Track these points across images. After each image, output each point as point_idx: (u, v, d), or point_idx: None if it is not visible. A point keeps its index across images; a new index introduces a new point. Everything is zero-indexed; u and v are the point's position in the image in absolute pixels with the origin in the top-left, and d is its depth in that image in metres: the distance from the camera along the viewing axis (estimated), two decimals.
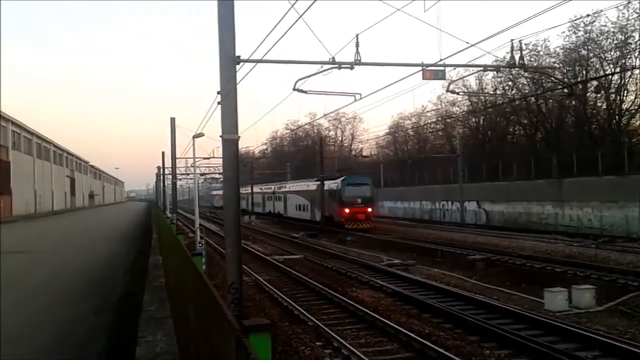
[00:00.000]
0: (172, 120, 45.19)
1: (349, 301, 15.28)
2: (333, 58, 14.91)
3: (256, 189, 64.65)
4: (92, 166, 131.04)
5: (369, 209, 39.86)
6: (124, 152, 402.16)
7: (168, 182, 62.44)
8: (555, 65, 41.53)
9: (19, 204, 63.17)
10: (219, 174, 65.01)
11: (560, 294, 14.59)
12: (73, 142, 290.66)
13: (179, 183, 63.07)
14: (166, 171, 60.34)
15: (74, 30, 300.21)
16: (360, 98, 17.29)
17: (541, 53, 44.55)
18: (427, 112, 64.23)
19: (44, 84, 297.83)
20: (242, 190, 52.76)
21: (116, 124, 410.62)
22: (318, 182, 44.26)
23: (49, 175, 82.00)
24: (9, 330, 9.34)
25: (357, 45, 15.39)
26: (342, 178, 41.73)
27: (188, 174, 66.54)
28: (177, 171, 53.53)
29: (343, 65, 15.07)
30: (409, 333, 11.76)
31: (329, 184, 42.63)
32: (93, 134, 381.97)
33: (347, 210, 39.17)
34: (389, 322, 12.75)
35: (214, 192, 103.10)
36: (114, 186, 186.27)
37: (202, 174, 66.31)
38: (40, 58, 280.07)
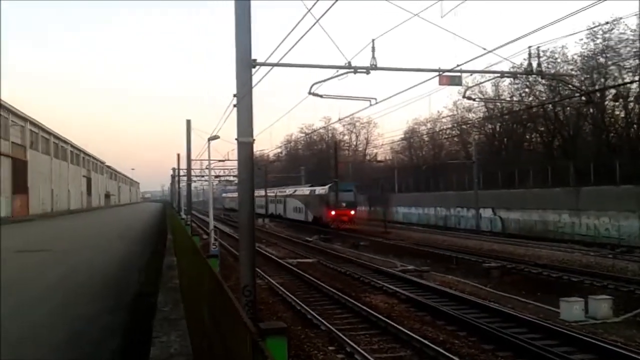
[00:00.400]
0: (188, 122, 45.47)
1: (362, 306, 15.20)
2: (349, 62, 14.84)
3: (261, 192, 69.44)
4: (108, 166, 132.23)
5: (352, 212, 45.06)
6: (140, 154, 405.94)
7: (183, 183, 62.96)
8: (573, 72, 41.15)
9: (35, 203, 63.90)
10: (234, 176, 65.56)
11: (577, 303, 14.39)
12: (90, 143, 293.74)
13: (193, 185, 63.54)
14: (181, 173, 60.80)
15: (93, 30, 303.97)
16: (376, 103, 17.16)
17: (559, 60, 44.21)
18: (443, 117, 64.00)
19: (60, 85, 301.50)
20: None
21: (132, 125, 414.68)
22: (311, 188, 51.75)
23: (66, 175, 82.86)
24: (24, 329, 9.41)
25: (373, 50, 15.32)
26: (329, 185, 46.55)
27: (203, 176, 67.03)
28: (192, 173, 53.90)
29: (359, 70, 14.99)
30: (422, 340, 11.66)
31: (319, 190, 48.67)
32: (110, 134, 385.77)
33: (332, 213, 44.28)
34: (403, 329, 12.66)
35: (224, 195, 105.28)
36: (129, 187, 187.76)
37: (216, 176, 66.66)
38: (58, 59, 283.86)
